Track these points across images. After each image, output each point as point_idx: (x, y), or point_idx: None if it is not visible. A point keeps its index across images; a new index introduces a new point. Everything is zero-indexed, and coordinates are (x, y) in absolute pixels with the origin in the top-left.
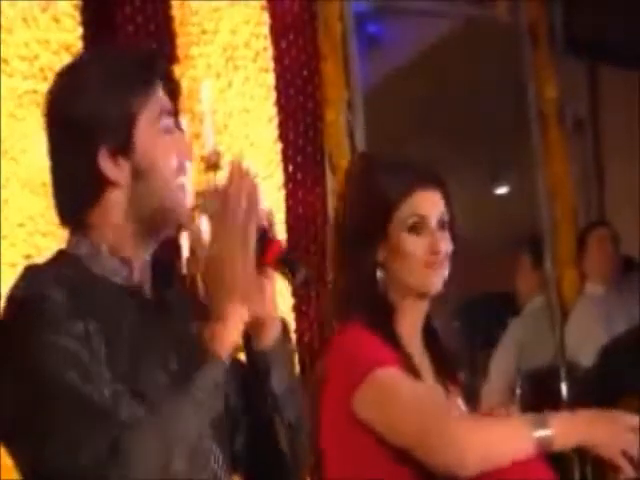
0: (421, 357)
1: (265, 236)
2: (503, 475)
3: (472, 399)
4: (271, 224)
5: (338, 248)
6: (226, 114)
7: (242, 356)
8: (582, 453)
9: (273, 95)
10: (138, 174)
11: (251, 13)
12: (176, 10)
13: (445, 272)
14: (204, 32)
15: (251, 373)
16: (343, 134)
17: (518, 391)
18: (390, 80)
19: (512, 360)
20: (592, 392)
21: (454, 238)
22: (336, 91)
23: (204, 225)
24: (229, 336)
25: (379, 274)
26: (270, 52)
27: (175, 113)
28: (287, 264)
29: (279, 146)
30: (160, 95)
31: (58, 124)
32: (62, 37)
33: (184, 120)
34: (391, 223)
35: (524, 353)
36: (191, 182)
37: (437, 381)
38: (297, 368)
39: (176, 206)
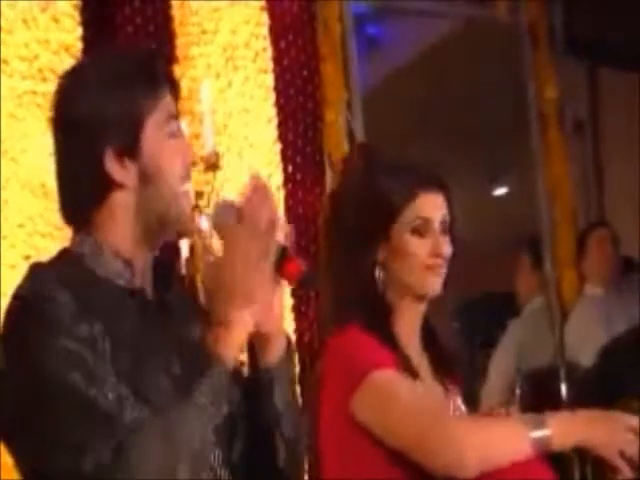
0: (419, 357)
1: (284, 253)
2: (502, 476)
3: (472, 399)
4: (290, 241)
5: (335, 246)
6: (226, 114)
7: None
8: (582, 453)
9: (273, 95)
10: (145, 177)
11: (251, 13)
12: (176, 10)
13: (444, 274)
14: (204, 32)
15: (253, 386)
16: (342, 135)
17: (518, 391)
18: (389, 81)
19: (512, 360)
20: (592, 393)
21: (453, 241)
22: (335, 92)
23: (203, 225)
24: (234, 343)
25: (378, 274)
26: (270, 52)
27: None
28: (304, 283)
29: (278, 146)
30: (168, 98)
31: (65, 124)
32: (62, 37)
33: (184, 121)
34: (394, 226)
35: (524, 353)
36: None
37: (436, 381)
38: (297, 384)
39: (181, 213)
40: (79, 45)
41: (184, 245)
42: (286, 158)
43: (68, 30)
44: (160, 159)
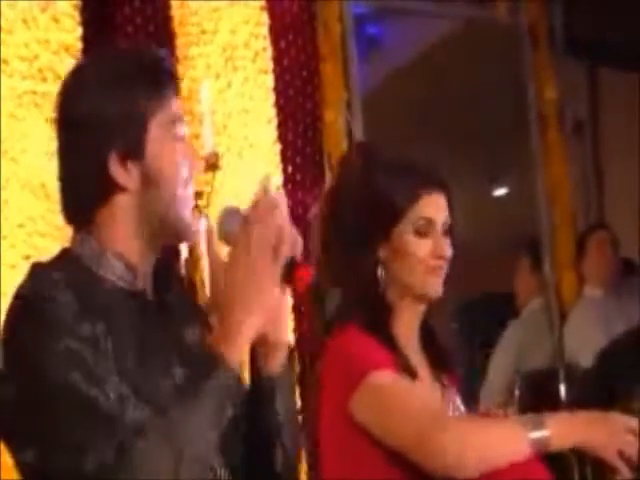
0: (418, 357)
1: (294, 262)
2: (501, 476)
3: (471, 399)
4: (299, 250)
5: (331, 244)
6: (225, 115)
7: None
8: (581, 454)
9: (272, 96)
10: (147, 180)
11: (250, 13)
12: (175, 10)
13: (444, 276)
14: (203, 32)
15: (254, 393)
16: (342, 135)
17: (517, 392)
18: (389, 81)
19: (511, 361)
20: (590, 394)
21: (453, 242)
22: (335, 92)
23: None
24: (241, 348)
25: (381, 273)
26: (269, 53)
27: None
28: (314, 293)
29: (278, 147)
30: (173, 100)
31: (68, 124)
32: (61, 37)
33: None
34: (397, 227)
35: (523, 355)
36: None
37: (434, 381)
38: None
39: (182, 218)
40: (79, 45)
41: (183, 246)
42: (286, 158)
43: (68, 30)
44: (164, 163)
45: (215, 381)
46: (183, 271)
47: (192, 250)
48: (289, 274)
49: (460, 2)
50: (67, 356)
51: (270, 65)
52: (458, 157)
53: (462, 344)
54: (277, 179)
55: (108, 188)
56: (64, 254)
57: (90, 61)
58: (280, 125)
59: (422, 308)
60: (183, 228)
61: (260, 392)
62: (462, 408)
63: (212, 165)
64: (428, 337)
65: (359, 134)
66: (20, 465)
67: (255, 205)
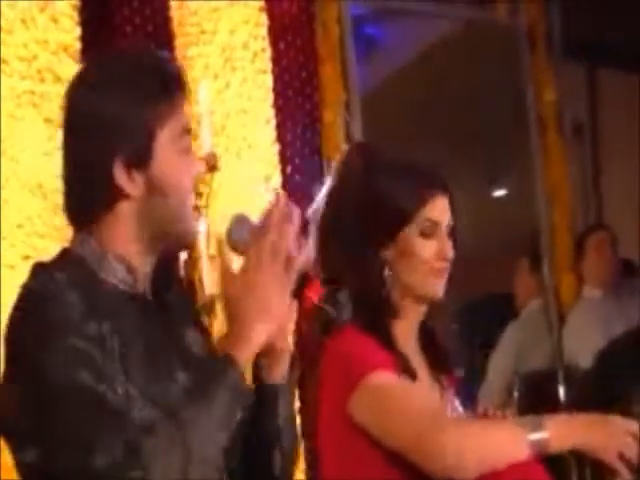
0: (417, 358)
1: (307, 277)
2: (500, 478)
3: (470, 399)
4: (311, 264)
5: (332, 245)
6: (224, 115)
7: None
8: (580, 456)
9: (271, 96)
10: (152, 189)
11: (250, 14)
12: (175, 10)
13: (446, 277)
14: (203, 32)
15: (257, 398)
16: (341, 136)
17: (516, 393)
18: (388, 82)
19: (510, 362)
20: (589, 395)
21: (455, 243)
22: (334, 93)
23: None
24: (249, 354)
25: (387, 274)
26: (268, 53)
27: None
28: (323, 307)
29: (277, 147)
30: (183, 111)
31: (74, 129)
32: (60, 37)
33: None
34: (403, 231)
35: (522, 355)
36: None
37: (433, 381)
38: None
39: (185, 227)
40: (78, 45)
41: None
42: (284, 159)
43: (67, 30)
44: (170, 176)
45: (226, 384)
46: (182, 272)
47: (191, 250)
48: (300, 289)
49: (459, 3)
50: (74, 355)
51: (269, 66)
52: (457, 158)
53: (463, 345)
54: (276, 180)
55: (113, 195)
56: (65, 254)
57: (100, 67)
58: (279, 126)
59: (422, 309)
60: (185, 236)
61: (263, 397)
62: (461, 409)
63: (211, 166)
64: (427, 338)
65: (358, 135)
66: (20, 465)
67: (269, 214)
